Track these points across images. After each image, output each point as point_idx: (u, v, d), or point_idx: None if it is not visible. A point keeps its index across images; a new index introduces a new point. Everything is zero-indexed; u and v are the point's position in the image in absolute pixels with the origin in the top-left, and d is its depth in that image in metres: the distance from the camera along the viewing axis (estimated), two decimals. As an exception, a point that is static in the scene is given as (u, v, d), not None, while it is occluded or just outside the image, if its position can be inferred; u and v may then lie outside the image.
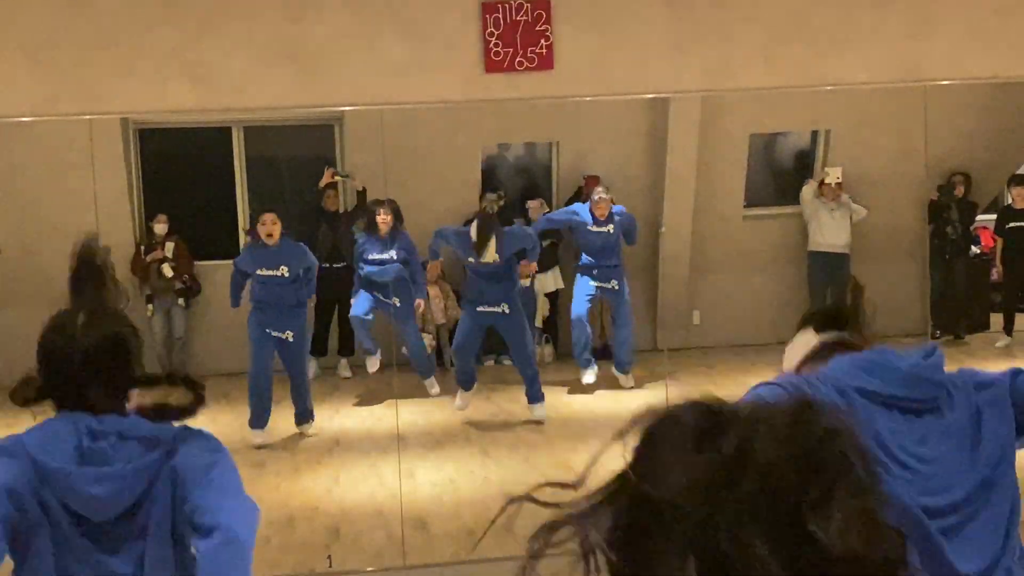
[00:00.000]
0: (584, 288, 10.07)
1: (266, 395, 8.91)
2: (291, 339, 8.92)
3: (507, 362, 10.70)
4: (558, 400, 9.50)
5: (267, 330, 8.88)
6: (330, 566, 6.35)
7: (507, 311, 9.33)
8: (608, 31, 6.40)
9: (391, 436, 8.05)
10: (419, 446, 8.54)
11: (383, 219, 9.62)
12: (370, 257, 9.71)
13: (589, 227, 10.05)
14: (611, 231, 9.97)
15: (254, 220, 9.36)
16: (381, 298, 9.64)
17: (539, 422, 9.17)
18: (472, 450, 8.47)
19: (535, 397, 9.21)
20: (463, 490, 7.58)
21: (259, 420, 8.82)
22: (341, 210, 10.85)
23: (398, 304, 9.70)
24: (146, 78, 6.18)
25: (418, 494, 7.43)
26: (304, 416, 9.02)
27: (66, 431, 2.81)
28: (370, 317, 9.60)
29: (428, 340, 10.42)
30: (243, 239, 11.27)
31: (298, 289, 9.07)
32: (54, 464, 2.75)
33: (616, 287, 10.08)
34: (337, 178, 10.76)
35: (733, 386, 9.94)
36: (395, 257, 9.69)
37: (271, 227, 8.91)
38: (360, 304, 9.70)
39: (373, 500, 7.40)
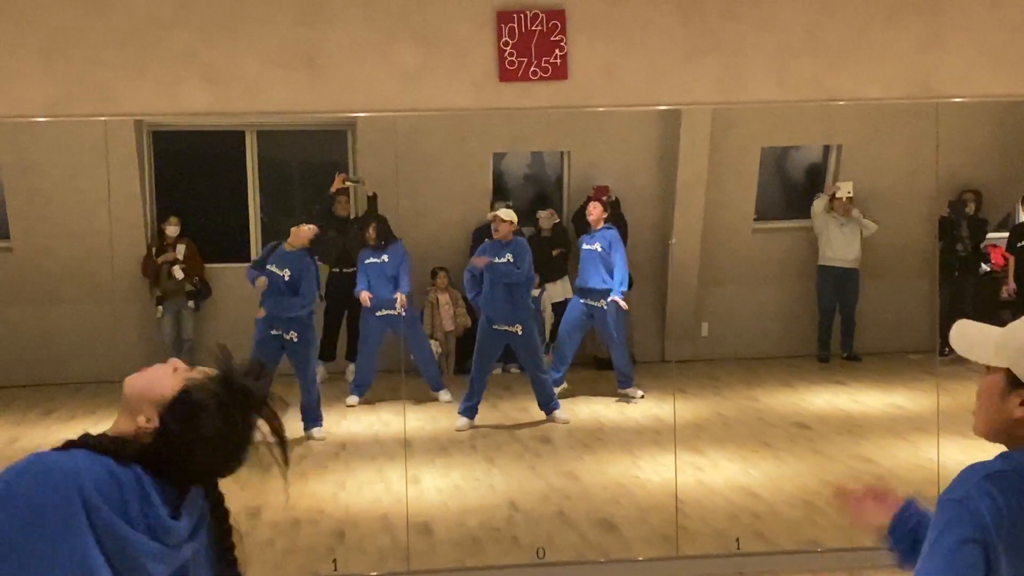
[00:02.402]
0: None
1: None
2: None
3: (514, 370, 10.73)
4: (565, 409, 9.51)
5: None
6: (335, 570, 6.36)
7: (520, 331, 9.42)
8: (622, 42, 6.42)
9: (398, 441, 8.07)
10: (425, 452, 8.56)
11: (370, 235, 10.10)
12: (367, 262, 10.04)
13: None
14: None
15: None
16: (386, 312, 9.75)
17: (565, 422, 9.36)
18: (478, 457, 8.49)
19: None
20: (468, 497, 7.59)
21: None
22: (352, 215, 10.88)
23: (404, 313, 9.79)
24: (160, 80, 6.21)
25: (423, 500, 7.44)
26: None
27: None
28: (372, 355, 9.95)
29: (434, 346, 10.47)
30: (256, 242, 11.33)
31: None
32: None
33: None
34: (348, 183, 10.78)
35: (740, 399, 9.97)
36: (386, 260, 9.91)
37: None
38: (370, 336, 9.92)
39: (379, 505, 7.41)
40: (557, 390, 9.94)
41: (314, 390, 9.17)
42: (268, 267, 9.35)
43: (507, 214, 9.57)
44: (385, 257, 10.02)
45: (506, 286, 9.42)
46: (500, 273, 9.58)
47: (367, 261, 10.06)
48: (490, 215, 9.69)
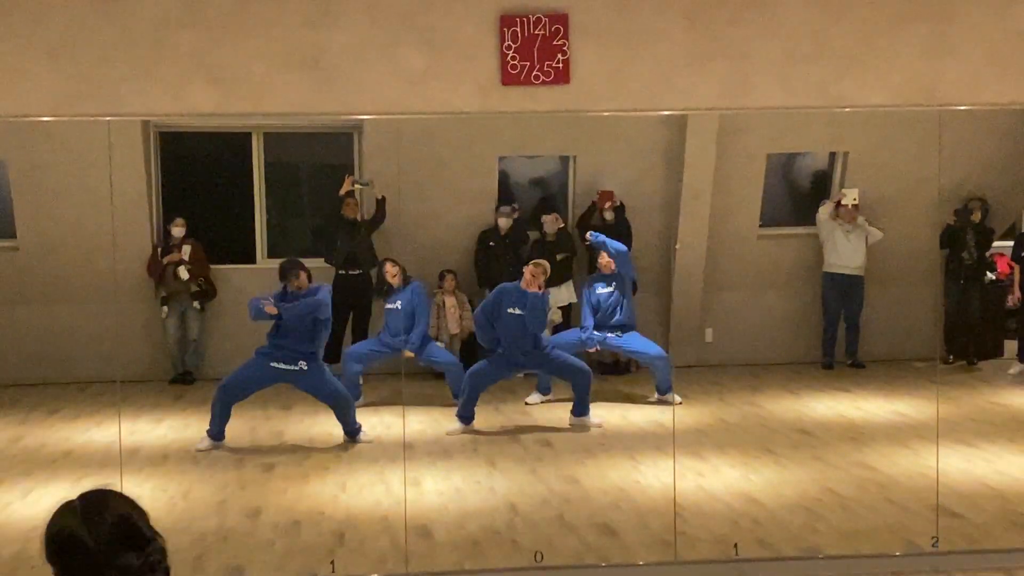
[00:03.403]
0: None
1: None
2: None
3: (518, 375, 10.74)
4: (565, 413, 9.52)
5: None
6: (332, 571, 6.37)
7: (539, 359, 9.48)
8: (625, 47, 6.42)
9: (399, 444, 8.08)
10: (427, 454, 8.57)
11: (393, 272, 10.00)
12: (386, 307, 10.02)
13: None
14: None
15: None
16: (388, 342, 9.85)
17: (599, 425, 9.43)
18: (479, 460, 8.49)
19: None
20: (468, 500, 7.60)
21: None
22: (360, 218, 10.90)
23: (413, 341, 9.85)
24: (166, 81, 6.23)
25: (424, 502, 7.45)
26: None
27: None
28: (359, 365, 9.98)
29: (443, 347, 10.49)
30: (262, 244, 11.36)
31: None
32: None
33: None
34: (357, 186, 10.81)
35: (743, 405, 9.96)
36: (400, 307, 9.90)
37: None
38: (363, 344, 10.09)
39: (379, 507, 7.41)
40: (543, 398, 9.98)
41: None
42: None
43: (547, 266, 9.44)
44: (399, 303, 9.98)
45: (531, 334, 9.35)
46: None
47: (387, 307, 10.00)
48: (531, 271, 9.45)
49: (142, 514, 2.41)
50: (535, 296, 9.25)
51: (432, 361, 10.13)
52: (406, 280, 10.00)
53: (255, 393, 9.07)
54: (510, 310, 9.26)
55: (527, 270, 9.34)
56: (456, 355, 10.62)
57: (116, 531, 2.33)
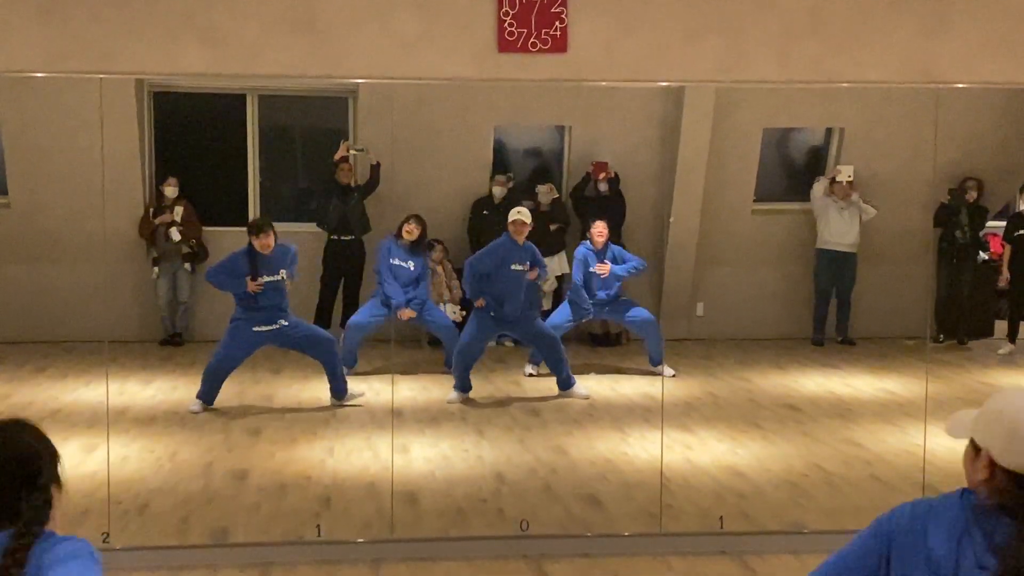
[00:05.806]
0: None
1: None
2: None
3: (508, 344, 10.74)
4: (553, 383, 9.52)
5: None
6: (319, 535, 6.38)
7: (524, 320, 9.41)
8: (623, 17, 6.38)
9: (388, 410, 8.08)
10: (415, 422, 8.58)
11: (409, 230, 9.78)
12: (394, 262, 9.76)
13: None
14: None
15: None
16: (388, 313, 9.71)
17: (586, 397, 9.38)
18: (467, 428, 8.50)
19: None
20: (456, 467, 7.61)
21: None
22: (353, 183, 10.86)
23: (419, 297, 9.81)
24: (158, 39, 6.18)
25: (411, 469, 7.46)
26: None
27: None
28: (361, 334, 9.83)
29: (457, 311, 10.38)
30: (254, 206, 11.32)
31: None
32: None
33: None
34: (352, 152, 10.77)
35: (732, 380, 9.97)
36: (413, 267, 9.74)
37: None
38: (363, 312, 9.89)
39: (366, 473, 7.43)
40: (532, 369, 9.96)
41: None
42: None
43: (527, 216, 9.37)
44: (412, 263, 9.85)
45: (524, 286, 9.32)
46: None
47: (394, 262, 9.77)
48: (517, 218, 9.38)
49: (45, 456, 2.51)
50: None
51: (430, 322, 10.00)
52: (421, 240, 9.91)
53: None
54: (513, 266, 9.25)
55: (510, 227, 9.32)
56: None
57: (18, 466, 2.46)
